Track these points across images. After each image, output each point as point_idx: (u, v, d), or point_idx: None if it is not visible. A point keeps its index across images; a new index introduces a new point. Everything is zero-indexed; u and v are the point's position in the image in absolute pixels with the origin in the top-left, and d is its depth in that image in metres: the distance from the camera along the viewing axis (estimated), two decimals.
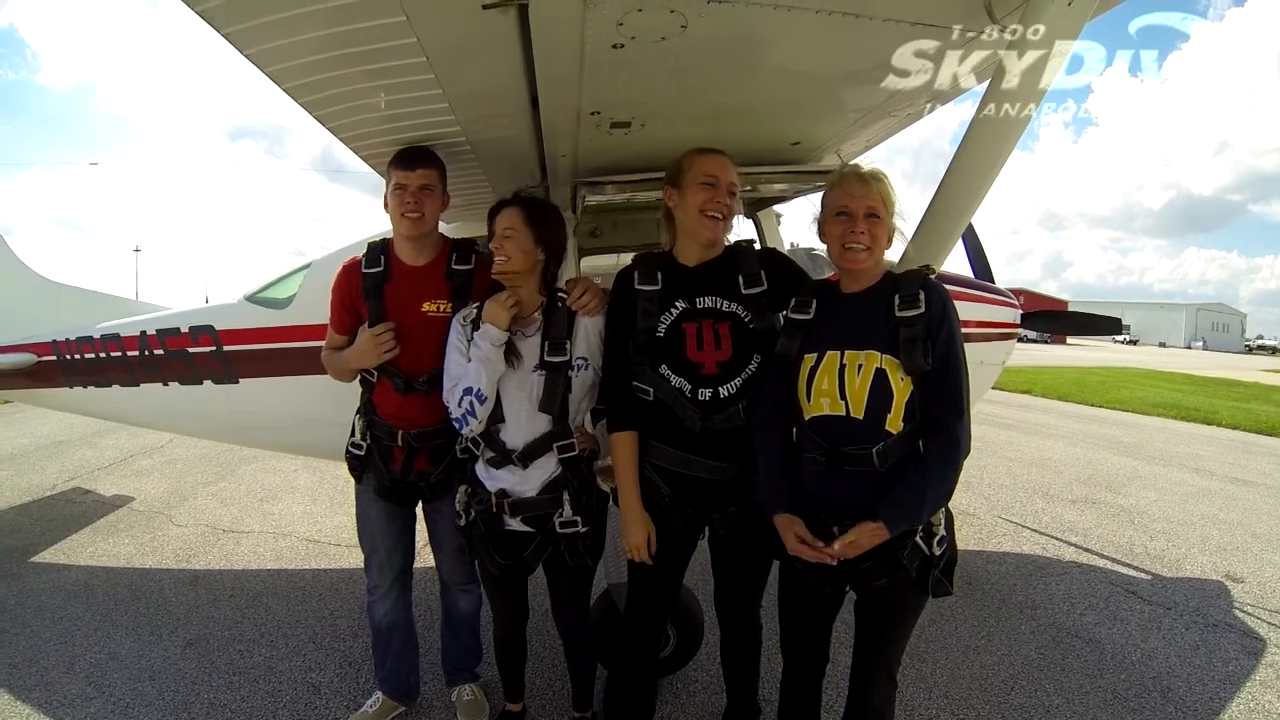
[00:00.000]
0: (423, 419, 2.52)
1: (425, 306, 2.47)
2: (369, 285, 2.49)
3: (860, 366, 1.88)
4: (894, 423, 1.85)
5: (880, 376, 1.85)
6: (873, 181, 1.95)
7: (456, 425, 2.28)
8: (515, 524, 2.31)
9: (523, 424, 2.27)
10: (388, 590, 2.76)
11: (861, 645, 2.06)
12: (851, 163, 2.47)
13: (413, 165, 2.43)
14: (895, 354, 1.85)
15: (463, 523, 2.40)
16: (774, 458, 2.03)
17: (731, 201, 2.14)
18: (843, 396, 1.88)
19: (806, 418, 1.96)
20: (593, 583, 2.55)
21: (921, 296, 1.87)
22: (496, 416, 2.28)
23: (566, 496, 2.26)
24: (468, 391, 2.21)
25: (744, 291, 2.15)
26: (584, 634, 2.60)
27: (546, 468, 2.28)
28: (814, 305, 2.02)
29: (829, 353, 1.93)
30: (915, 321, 1.85)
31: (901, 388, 1.85)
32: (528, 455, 2.25)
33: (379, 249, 2.55)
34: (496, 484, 2.31)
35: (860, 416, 1.87)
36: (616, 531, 2.30)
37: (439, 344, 2.38)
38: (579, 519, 2.27)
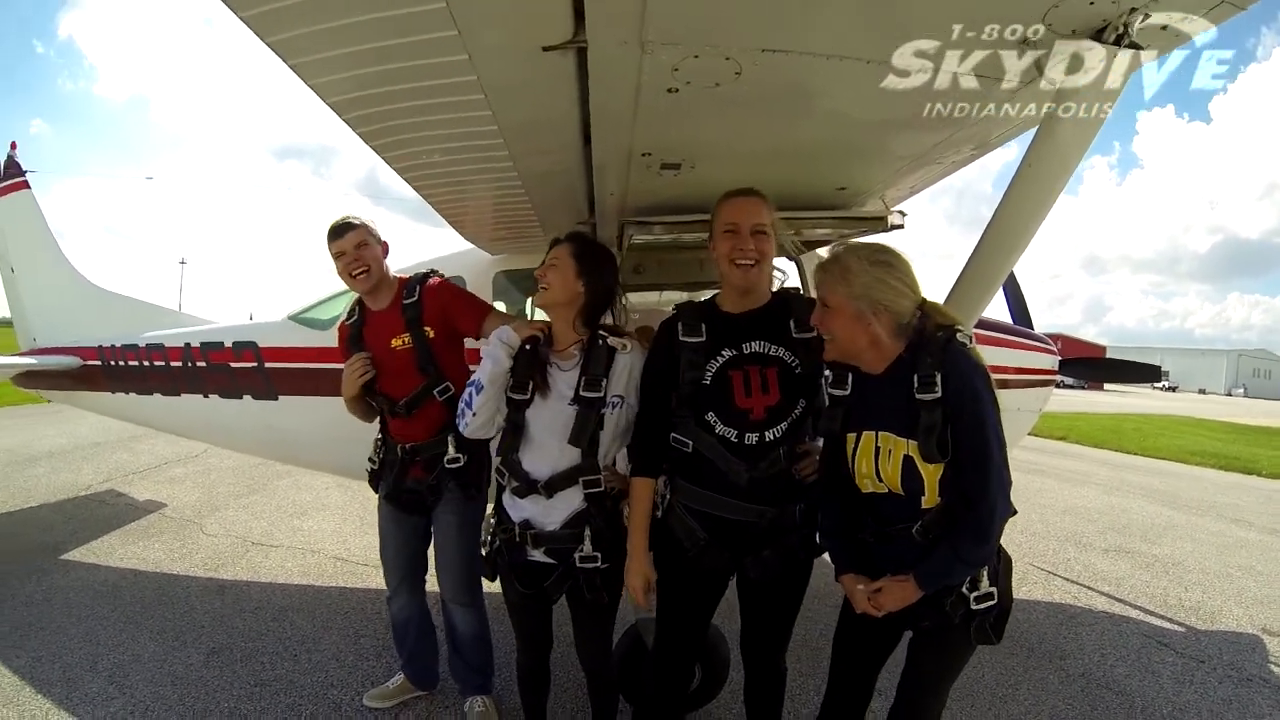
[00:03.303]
0: (416, 435, 2.86)
1: (394, 343, 2.82)
2: (352, 334, 2.91)
3: (890, 451, 1.84)
4: (930, 499, 1.82)
5: (909, 462, 1.81)
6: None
7: (458, 423, 2.39)
8: (538, 555, 2.33)
9: (550, 455, 2.28)
10: (397, 589, 3.07)
11: (905, 683, 2.06)
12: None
13: (341, 234, 2.79)
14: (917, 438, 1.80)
15: (486, 551, 2.44)
16: (835, 524, 2.06)
17: (759, 243, 2.06)
18: (880, 478, 1.86)
19: (863, 492, 1.95)
20: (616, 617, 2.54)
21: (938, 379, 1.76)
22: (516, 444, 2.31)
23: (588, 532, 2.28)
24: (471, 383, 2.34)
25: (795, 335, 2.11)
26: (605, 668, 2.58)
27: (571, 501, 2.29)
28: (850, 379, 1.96)
29: (865, 433, 1.90)
30: (934, 406, 1.75)
31: (930, 470, 1.80)
32: (552, 486, 2.27)
33: (357, 302, 2.97)
34: (521, 514, 2.33)
35: (901, 494, 1.85)
36: None
37: (407, 372, 2.81)
38: (599, 555, 2.27)
